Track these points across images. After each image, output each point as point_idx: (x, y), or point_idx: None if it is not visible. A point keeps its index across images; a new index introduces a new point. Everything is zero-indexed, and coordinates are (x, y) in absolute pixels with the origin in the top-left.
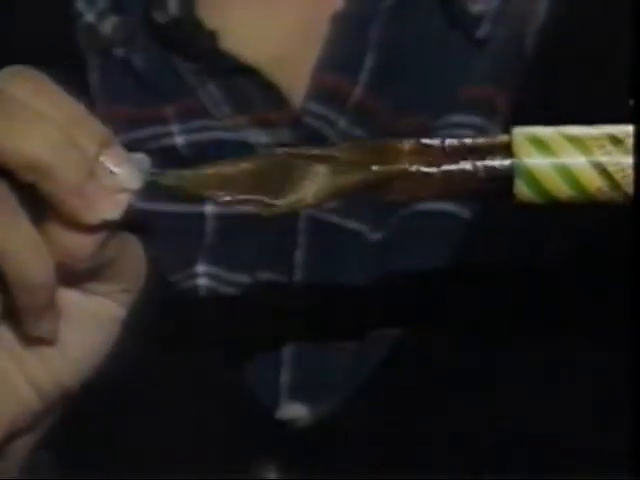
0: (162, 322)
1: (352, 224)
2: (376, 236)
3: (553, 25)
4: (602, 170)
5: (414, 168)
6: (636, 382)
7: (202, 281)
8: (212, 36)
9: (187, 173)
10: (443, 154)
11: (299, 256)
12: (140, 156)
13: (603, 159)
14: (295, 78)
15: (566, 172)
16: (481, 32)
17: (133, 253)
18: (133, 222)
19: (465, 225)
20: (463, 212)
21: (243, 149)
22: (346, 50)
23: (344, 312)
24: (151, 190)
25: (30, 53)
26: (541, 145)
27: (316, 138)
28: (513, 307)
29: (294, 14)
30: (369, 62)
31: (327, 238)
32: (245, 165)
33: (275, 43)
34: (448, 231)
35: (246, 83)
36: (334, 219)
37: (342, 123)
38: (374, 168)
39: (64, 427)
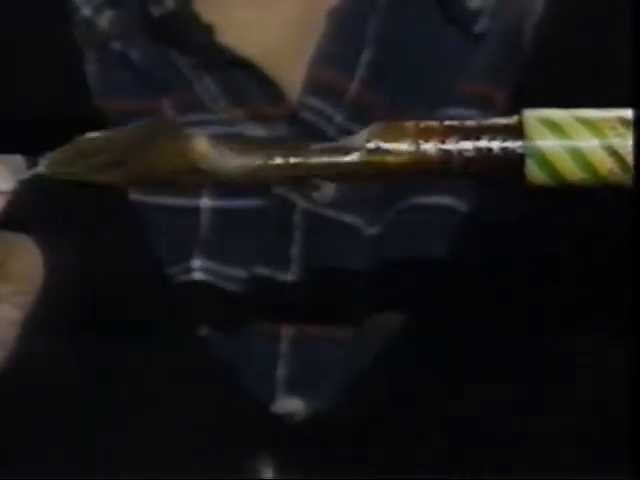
0: (157, 316)
1: (348, 218)
2: (372, 230)
3: (551, 20)
4: (613, 152)
5: (424, 147)
6: (636, 382)
7: (198, 275)
8: (209, 30)
9: (57, 155)
10: (453, 134)
11: (295, 250)
12: (14, 157)
13: (615, 141)
14: (292, 72)
15: (578, 154)
16: (479, 27)
17: (23, 255)
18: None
19: (462, 219)
20: (460, 205)
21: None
22: (343, 45)
23: (340, 306)
24: (40, 184)
25: (27, 47)
26: (554, 127)
27: (313, 132)
28: (511, 301)
29: (291, 8)
30: (366, 57)
31: (323, 232)
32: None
33: (272, 37)
34: (445, 225)
35: (243, 77)
36: (330, 213)
37: (338, 118)
38: (370, 145)
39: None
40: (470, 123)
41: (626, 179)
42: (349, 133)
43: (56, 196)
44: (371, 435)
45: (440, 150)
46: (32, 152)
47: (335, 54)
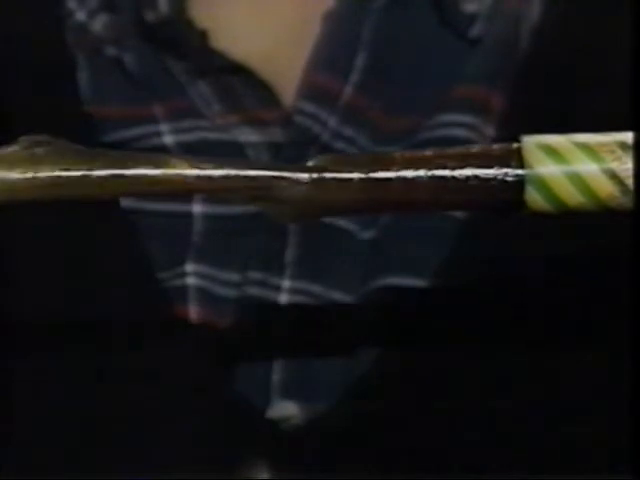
0: (149, 321)
1: (343, 222)
2: (367, 235)
3: (548, 25)
4: (613, 176)
5: (418, 174)
6: (636, 382)
7: (191, 280)
8: (203, 35)
9: None
10: (450, 162)
11: (289, 255)
12: None
13: (613, 165)
14: (286, 77)
15: (578, 179)
16: (474, 31)
17: None
18: None
19: (458, 224)
20: (457, 211)
21: (233, 149)
22: (337, 49)
23: (335, 310)
24: None
25: (19, 51)
26: (552, 152)
27: (307, 137)
28: (510, 307)
29: (285, 12)
30: (360, 61)
31: (317, 237)
32: None
33: (266, 41)
34: (440, 230)
35: (237, 82)
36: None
37: (333, 122)
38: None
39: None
40: (467, 150)
41: (626, 202)
42: (344, 138)
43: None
44: (368, 439)
45: (433, 178)
46: None
47: (329, 58)
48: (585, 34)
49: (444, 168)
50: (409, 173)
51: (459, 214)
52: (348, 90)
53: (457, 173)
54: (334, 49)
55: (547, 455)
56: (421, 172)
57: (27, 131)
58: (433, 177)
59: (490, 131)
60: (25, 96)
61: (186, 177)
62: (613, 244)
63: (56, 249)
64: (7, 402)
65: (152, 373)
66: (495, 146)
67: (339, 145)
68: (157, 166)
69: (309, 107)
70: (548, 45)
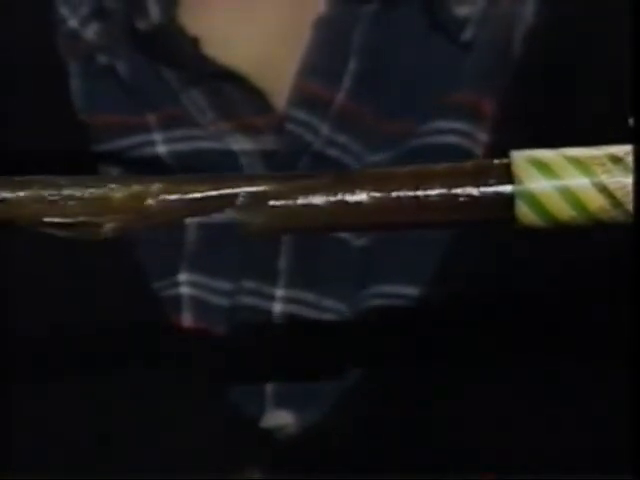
0: (141, 331)
1: None
2: (360, 242)
3: (541, 29)
4: (603, 189)
5: (408, 194)
6: (636, 383)
7: (185, 289)
8: (194, 42)
9: None
10: (438, 179)
11: (283, 263)
12: None
13: (604, 177)
14: (278, 83)
15: (569, 193)
16: (466, 35)
17: None
18: None
19: (451, 233)
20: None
21: (226, 157)
22: (329, 55)
23: (329, 319)
24: None
25: (10, 59)
26: (543, 167)
27: (299, 145)
28: (503, 314)
29: (276, 19)
30: (352, 67)
31: (311, 245)
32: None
33: (258, 48)
34: (433, 238)
35: (230, 89)
36: None
37: (325, 129)
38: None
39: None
40: (456, 165)
41: (617, 215)
42: (337, 145)
43: None
44: (363, 448)
45: (421, 196)
46: (12, 170)
47: (321, 65)
48: (579, 38)
49: (433, 184)
50: (396, 192)
51: None
52: (340, 97)
53: (446, 190)
54: (325, 55)
55: (547, 455)
56: (409, 190)
57: (19, 139)
58: (421, 195)
59: (483, 137)
60: (16, 104)
61: None
62: (605, 253)
63: (49, 260)
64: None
65: (141, 384)
66: (484, 161)
67: (332, 152)
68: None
69: (300, 114)
70: (542, 49)
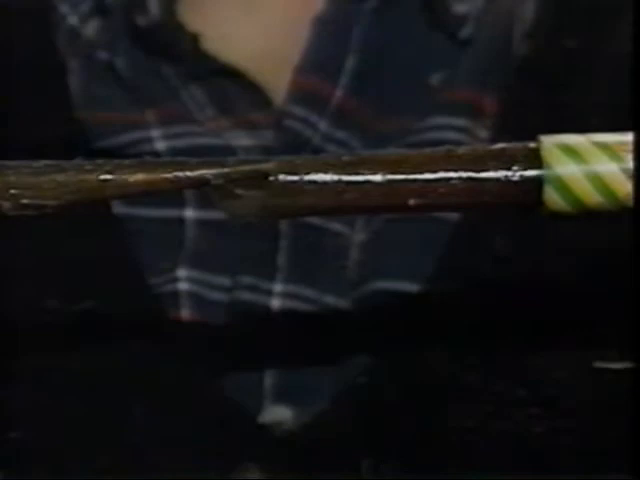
0: (141, 327)
1: (335, 226)
2: (359, 238)
3: (541, 26)
4: (632, 175)
5: (433, 177)
6: (636, 382)
7: (183, 285)
8: (194, 38)
9: None
10: (467, 162)
11: (281, 259)
12: None
13: (632, 164)
14: (277, 79)
15: (597, 179)
16: (465, 33)
17: None
18: None
19: (451, 227)
20: (451, 215)
21: (225, 154)
22: (327, 52)
23: (327, 315)
24: None
25: (10, 56)
26: (571, 152)
27: (298, 141)
28: (502, 311)
29: (276, 15)
30: (350, 64)
31: (310, 240)
32: None
33: (257, 44)
34: (433, 233)
35: (229, 85)
36: (317, 221)
37: (323, 125)
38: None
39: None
40: (484, 149)
41: None
42: (335, 141)
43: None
44: (361, 444)
45: (449, 179)
46: None
47: (320, 61)
48: (579, 35)
49: (460, 168)
50: (426, 175)
51: (451, 218)
52: (338, 93)
53: (475, 173)
54: (324, 52)
55: (547, 455)
56: (439, 172)
57: (18, 136)
58: (450, 178)
59: (482, 134)
60: (16, 101)
61: None
62: (610, 248)
63: (49, 255)
64: (6, 404)
65: (140, 379)
66: (513, 145)
67: (331, 148)
68: None
69: (299, 111)
70: (541, 46)
